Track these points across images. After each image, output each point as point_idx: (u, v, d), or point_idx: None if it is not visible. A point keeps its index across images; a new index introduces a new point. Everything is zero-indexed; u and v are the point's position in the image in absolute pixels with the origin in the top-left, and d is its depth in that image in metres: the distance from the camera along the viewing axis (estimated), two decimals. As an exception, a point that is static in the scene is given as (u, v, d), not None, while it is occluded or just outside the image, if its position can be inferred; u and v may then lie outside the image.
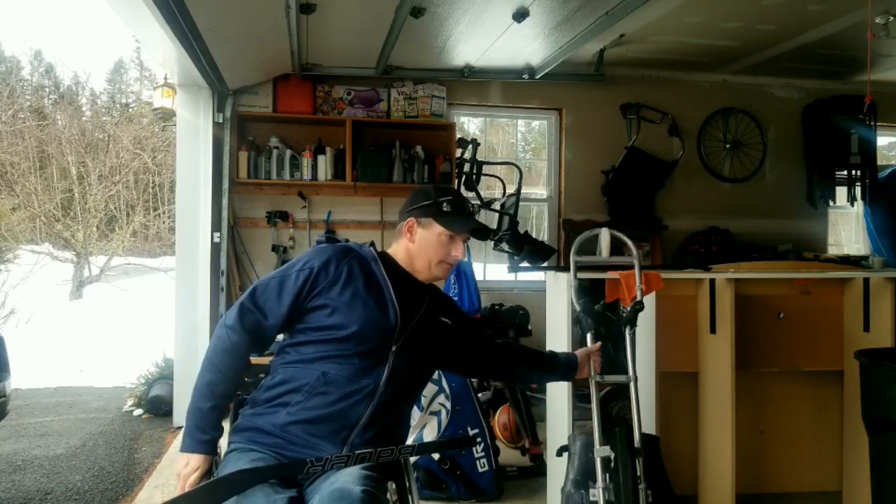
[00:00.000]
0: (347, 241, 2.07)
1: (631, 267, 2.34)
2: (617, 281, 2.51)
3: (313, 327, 1.68)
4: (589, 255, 2.35)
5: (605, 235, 2.26)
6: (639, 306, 2.20)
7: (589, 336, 2.14)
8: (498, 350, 2.04)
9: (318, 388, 1.63)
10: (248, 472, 1.48)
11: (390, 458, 1.59)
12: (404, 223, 1.80)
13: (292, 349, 1.71)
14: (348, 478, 1.49)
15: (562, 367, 2.05)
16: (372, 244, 1.84)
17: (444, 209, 1.79)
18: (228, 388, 1.66)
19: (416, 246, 1.79)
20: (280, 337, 1.79)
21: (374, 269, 1.75)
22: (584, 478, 2.17)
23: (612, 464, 2.05)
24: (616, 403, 4.01)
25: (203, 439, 1.63)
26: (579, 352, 2.11)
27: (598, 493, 2.04)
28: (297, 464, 1.52)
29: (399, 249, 1.83)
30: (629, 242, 2.21)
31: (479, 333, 2.04)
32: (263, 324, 1.67)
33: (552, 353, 2.11)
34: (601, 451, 2.07)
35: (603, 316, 2.31)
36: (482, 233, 1.86)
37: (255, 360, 3.74)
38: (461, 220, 1.80)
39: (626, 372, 2.20)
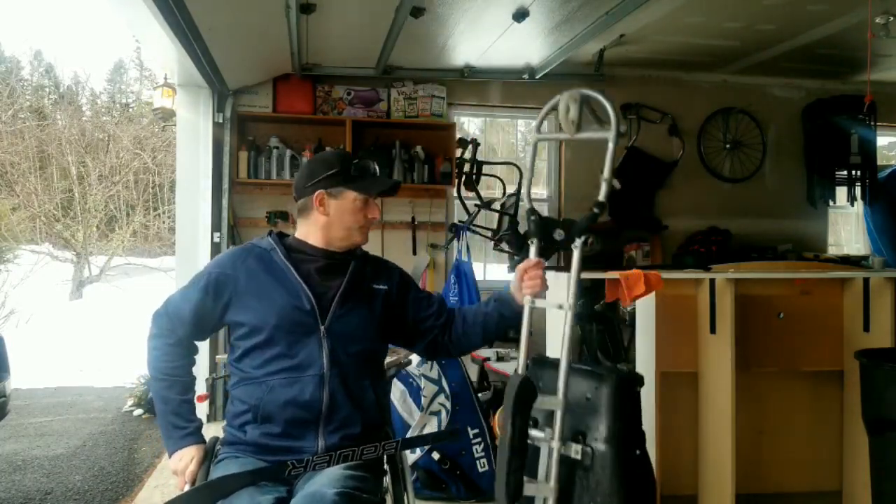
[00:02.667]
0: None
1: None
2: (617, 281, 2.51)
3: (239, 336, 1.69)
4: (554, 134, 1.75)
5: (568, 103, 1.52)
6: (593, 217, 1.55)
7: (532, 248, 1.66)
8: (451, 319, 1.84)
9: (267, 398, 1.62)
10: (232, 478, 1.49)
11: (374, 455, 1.60)
12: (312, 197, 1.74)
13: (234, 368, 1.72)
14: (325, 480, 1.49)
15: (494, 306, 1.78)
16: (271, 232, 1.83)
17: (353, 173, 1.74)
18: (185, 384, 1.71)
19: (332, 218, 1.74)
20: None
21: (274, 258, 1.74)
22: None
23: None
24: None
25: (183, 434, 1.66)
26: (514, 276, 1.74)
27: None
28: (278, 467, 1.53)
29: (310, 226, 1.77)
30: (605, 103, 1.49)
31: (426, 298, 1.87)
32: (177, 331, 1.71)
33: (494, 299, 1.82)
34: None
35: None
36: (394, 189, 1.80)
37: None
38: (373, 182, 1.76)
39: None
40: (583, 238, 1.53)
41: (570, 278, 1.55)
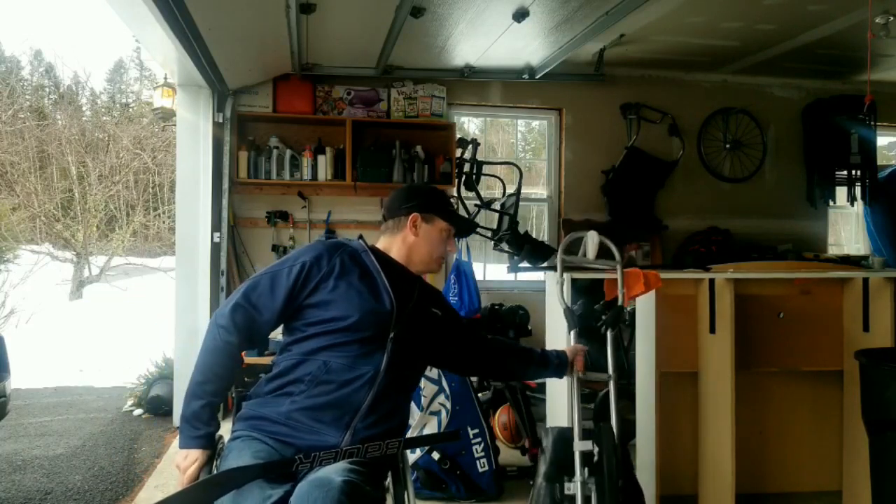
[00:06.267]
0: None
1: (624, 268, 2.39)
2: (616, 280, 2.51)
3: (311, 322, 1.72)
4: (575, 256, 2.42)
5: (592, 238, 2.32)
6: (618, 309, 2.27)
7: (572, 334, 2.24)
8: (488, 345, 2.09)
9: (321, 377, 1.68)
10: (240, 471, 1.51)
11: (379, 453, 1.63)
12: (407, 217, 1.85)
13: (294, 346, 1.75)
14: (331, 469, 1.51)
15: (553, 364, 2.13)
16: (361, 237, 1.90)
17: (448, 207, 1.92)
18: (220, 387, 1.70)
19: (420, 239, 1.86)
20: (279, 337, 1.83)
21: (365, 260, 1.81)
22: (558, 472, 2.15)
23: (596, 458, 2.05)
24: (617, 402, 4.02)
25: (197, 435, 1.67)
26: (568, 349, 2.18)
27: (575, 486, 2.03)
28: (286, 462, 1.56)
29: (395, 242, 1.88)
30: (613, 248, 2.31)
31: (467, 327, 2.07)
32: (258, 320, 1.70)
33: (543, 351, 2.17)
34: (581, 445, 2.07)
35: (586, 317, 2.38)
36: (472, 231, 2.04)
37: (255, 360, 3.75)
38: (461, 219, 1.96)
39: (630, 385, 2.23)
40: (614, 330, 2.24)
41: (609, 355, 2.24)
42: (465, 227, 2.01)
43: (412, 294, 1.84)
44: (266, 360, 4.13)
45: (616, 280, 2.49)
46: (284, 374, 1.72)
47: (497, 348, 2.11)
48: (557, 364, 2.13)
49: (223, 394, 1.73)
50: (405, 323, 1.77)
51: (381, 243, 1.90)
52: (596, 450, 2.05)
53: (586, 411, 4.31)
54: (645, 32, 4.31)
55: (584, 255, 2.36)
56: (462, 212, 4.80)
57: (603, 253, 2.35)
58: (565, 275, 3.01)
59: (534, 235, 4.69)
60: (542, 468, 2.24)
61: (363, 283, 1.74)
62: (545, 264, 4.41)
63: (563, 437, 2.17)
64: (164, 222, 13.39)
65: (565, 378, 2.20)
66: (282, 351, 1.79)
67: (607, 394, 3.87)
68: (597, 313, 2.31)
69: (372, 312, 1.71)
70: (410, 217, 1.85)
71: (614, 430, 2.11)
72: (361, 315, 1.69)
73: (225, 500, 1.47)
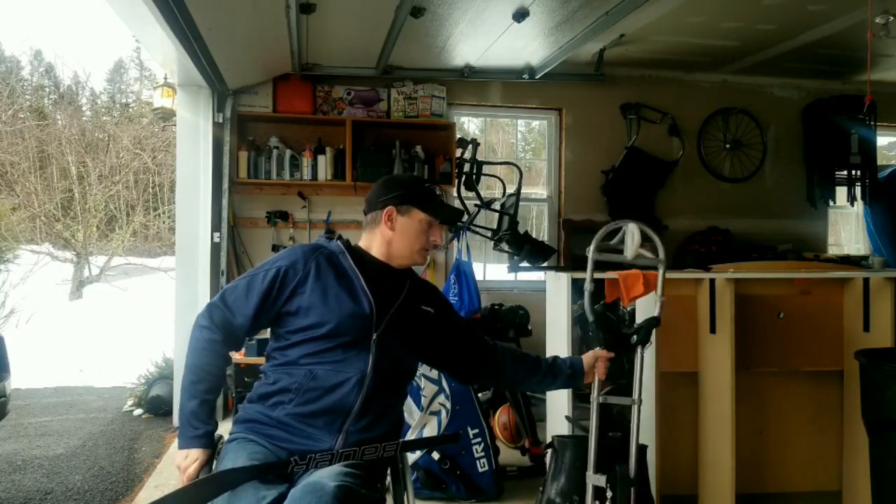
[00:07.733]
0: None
1: (650, 268, 2.25)
2: (616, 281, 2.51)
3: (292, 330, 1.71)
4: (611, 252, 2.14)
5: (633, 233, 1.99)
6: (652, 321, 2.12)
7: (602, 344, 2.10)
8: (490, 349, 1.96)
9: (308, 385, 1.67)
10: (235, 472, 1.52)
11: (375, 456, 1.63)
12: (382, 211, 1.79)
13: (278, 353, 1.75)
14: (325, 473, 1.51)
15: (565, 374, 1.97)
16: (339, 237, 1.86)
17: (425, 197, 1.83)
18: (212, 384, 1.71)
19: (397, 233, 1.80)
20: (264, 338, 1.83)
21: (342, 261, 1.78)
22: (572, 490, 2.17)
23: (608, 501, 2.01)
24: (617, 404, 4.02)
25: (196, 434, 1.67)
26: (586, 357, 2.02)
27: None
28: (281, 463, 1.57)
29: (374, 238, 1.83)
30: (656, 239, 2.00)
31: (465, 325, 1.99)
32: (233, 322, 1.71)
33: (554, 360, 2.00)
34: (594, 478, 2.02)
35: (608, 321, 2.25)
36: (457, 219, 1.91)
37: (254, 359, 3.76)
38: (441, 207, 1.86)
39: (630, 385, 2.20)
40: (648, 344, 2.12)
41: (636, 376, 2.12)
42: (447, 216, 1.92)
43: (398, 292, 1.79)
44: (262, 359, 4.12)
45: (616, 281, 2.48)
46: (273, 384, 1.72)
47: (500, 355, 1.96)
48: (570, 374, 1.97)
49: (217, 391, 1.73)
50: (389, 323, 1.73)
51: (363, 240, 1.85)
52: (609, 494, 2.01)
53: (586, 412, 4.31)
54: (645, 32, 4.31)
55: (625, 251, 2.10)
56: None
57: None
58: (565, 274, 3.00)
59: (534, 235, 4.69)
60: (558, 483, 2.24)
61: (341, 287, 1.72)
62: (545, 264, 4.41)
63: (583, 456, 2.13)
64: (164, 222, 13.39)
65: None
66: (267, 357, 1.79)
67: (609, 394, 3.87)
68: (604, 323, 2.20)
69: (350, 316, 1.69)
70: (385, 211, 1.79)
71: (631, 474, 2.01)
72: (339, 320, 1.67)
73: (219, 500, 1.48)
